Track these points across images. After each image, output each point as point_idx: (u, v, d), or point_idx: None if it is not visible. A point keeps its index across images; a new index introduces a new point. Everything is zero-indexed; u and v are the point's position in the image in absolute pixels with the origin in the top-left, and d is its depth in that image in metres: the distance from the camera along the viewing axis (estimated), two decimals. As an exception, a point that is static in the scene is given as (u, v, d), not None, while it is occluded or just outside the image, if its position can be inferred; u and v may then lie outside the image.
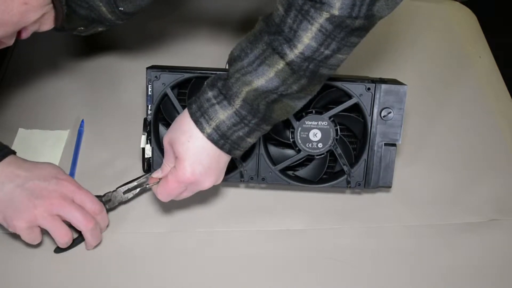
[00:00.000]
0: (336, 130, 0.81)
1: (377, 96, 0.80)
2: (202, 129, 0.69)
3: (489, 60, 1.10)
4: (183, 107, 0.80)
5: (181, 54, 1.03)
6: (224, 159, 0.73)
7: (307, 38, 0.64)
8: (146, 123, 0.82)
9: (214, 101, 0.68)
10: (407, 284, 0.78)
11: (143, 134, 0.82)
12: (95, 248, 0.79)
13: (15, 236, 0.78)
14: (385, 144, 0.81)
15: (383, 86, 0.80)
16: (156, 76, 0.80)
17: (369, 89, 0.80)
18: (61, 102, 0.98)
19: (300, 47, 0.64)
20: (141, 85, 0.93)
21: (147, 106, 0.81)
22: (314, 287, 0.77)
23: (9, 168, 0.75)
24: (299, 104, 0.71)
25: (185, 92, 0.82)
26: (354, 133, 0.84)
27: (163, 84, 0.80)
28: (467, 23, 1.16)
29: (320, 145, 0.81)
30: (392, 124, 0.81)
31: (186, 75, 0.80)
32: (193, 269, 0.78)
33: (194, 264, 0.79)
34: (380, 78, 0.82)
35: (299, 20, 0.63)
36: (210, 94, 0.69)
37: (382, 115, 0.80)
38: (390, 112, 0.80)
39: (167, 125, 0.83)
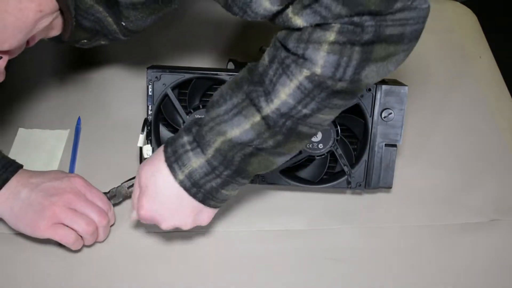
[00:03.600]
0: (337, 130, 0.81)
1: (377, 97, 0.80)
2: (175, 175, 0.68)
3: (489, 60, 1.10)
4: (184, 108, 0.81)
5: (181, 54, 1.03)
6: (191, 205, 0.70)
7: (284, 94, 0.61)
8: (146, 123, 0.82)
9: (188, 147, 0.67)
10: (407, 284, 0.78)
11: (141, 134, 0.82)
12: (96, 248, 0.80)
13: (20, 236, 0.79)
14: (386, 145, 0.81)
15: (384, 87, 0.79)
16: (156, 77, 0.80)
17: (369, 90, 0.80)
18: (61, 102, 0.98)
19: (276, 103, 0.62)
20: (141, 85, 0.93)
21: (148, 106, 0.81)
22: (314, 287, 0.77)
23: (23, 179, 0.77)
24: (280, 159, 0.68)
25: (186, 92, 0.82)
26: (355, 133, 0.84)
27: (163, 84, 0.80)
28: (467, 23, 1.16)
29: (320, 145, 0.81)
30: (393, 125, 0.81)
31: (187, 76, 0.80)
32: (193, 269, 0.79)
33: (194, 264, 0.79)
34: (380, 79, 0.82)
35: (279, 74, 0.61)
36: (185, 139, 0.67)
37: (383, 116, 0.80)
38: (390, 113, 0.80)
39: (168, 125, 0.83)
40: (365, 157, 0.82)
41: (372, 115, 0.80)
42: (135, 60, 1.02)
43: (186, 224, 0.72)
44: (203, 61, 1.00)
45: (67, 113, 0.96)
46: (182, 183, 0.68)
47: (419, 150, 0.93)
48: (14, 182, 0.76)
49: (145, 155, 0.82)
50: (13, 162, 0.78)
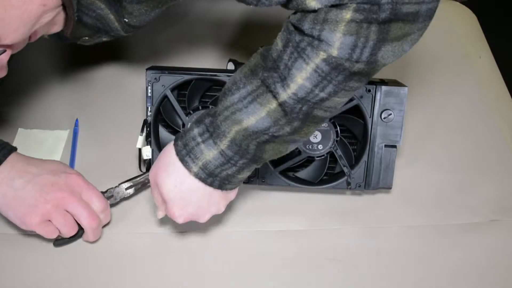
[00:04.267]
0: (337, 131, 0.81)
1: (377, 97, 0.80)
2: (188, 168, 0.68)
3: (489, 60, 1.09)
4: (183, 109, 0.81)
5: (181, 55, 1.03)
6: (217, 194, 0.71)
7: (300, 78, 0.60)
8: (145, 124, 0.82)
9: (199, 139, 0.67)
10: (407, 284, 0.78)
11: (140, 135, 0.82)
12: (95, 248, 0.80)
13: (20, 237, 0.79)
14: (386, 146, 0.81)
15: (384, 87, 0.79)
16: (156, 78, 0.80)
17: (369, 90, 0.80)
18: (61, 102, 0.98)
19: (293, 87, 0.60)
20: (140, 85, 0.93)
21: (147, 108, 0.81)
22: (314, 287, 0.78)
23: (19, 165, 0.76)
24: (293, 145, 0.68)
25: (185, 94, 0.82)
26: (355, 134, 0.84)
27: (162, 86, 0.80)
28: (467, 23, 1.16)
29: (320, 146, 0.82)
30: (393, 125, 0.81)
31: (186, 77, 0.80)
32: (192, 270, 0.79)
33: (193, 265, 0.79)
34: (380, 79, 0.82)
35: (294, 58, 0.60)
36: (195, 131, 0.67)
37: (383, 116, 0.80)
38: (390, 114, 0.80)
39: (167, 126, 0.83)
40: (364, 158, 0.82)
41: (372, 116, 0.80)
42: (134, 61, 1.02)
43: (221, 209, 0.73)
44: (203, 61, 1.00)
45: (67, 113, 0.96)
46: (197, 175, 0.68)
47: (419, 151, 0.93)
48: (8, 167, 0.75)
49: (144, 157, 0.82)
50: (6, 144, 0.78)
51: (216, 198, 0.71)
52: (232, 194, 0.74)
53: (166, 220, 0.84)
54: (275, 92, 0.62)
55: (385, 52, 0.59)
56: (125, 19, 0.74)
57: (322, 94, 0.61)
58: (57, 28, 0.67)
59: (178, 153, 0.68)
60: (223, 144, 0.65)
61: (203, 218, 0.73)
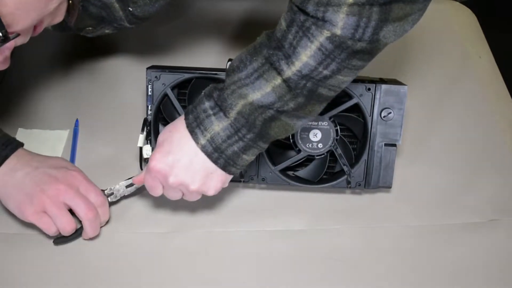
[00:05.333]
0: (336, 130, 0.81)
1: (377, 96, 0.80)
2: (196, 140, 0.68)
3: (489, 60, 1.09)
4: (183, 108, 0.81)
5: (181, 54, 1.03)
6: (201, 161, 0.70)
7: (305, 56, 0.62)
8: (146, 123, 0.82)
9: (210, 112, 0.68)
10: (407, 284, 0.78)
11: (141, 134, 0.83)
12: (95, 247, 0.80)
13: (20, 236, 0.80)
14: (385, 145, 0.81)
15: (383, 86, 0.80)
16: (156, 76, 0.80)
17: (369, 89, 0.80)
18: (61, 102, 0.98)
19: (297, 65, 0.63)
20: (141, 85, 0.93)
21: (147, 106, 0.81)
22: (314, 287, 0.77)
23: (24, 159, 0.78)
24: (298, 123, 0.69)
25: (185, 92, 0.82)
26: (354, 133, 0.84)
27: (163, 84, 0.80)
28: (467, 23, 1.16)
29: (320, 145, 0.82)
30: (392, 124, 0.81)
31: (186, 76, 0.80)
32: (193, 270, 0.79)
33: (194, 265, 0.79)
34: (380, 78, 0.83)
35: (299, 37, 0.62)
36: (207, 104, 0.68)
37: (382, 115, 0.80)
38: (390, 113, 0.80)
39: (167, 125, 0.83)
40: (364, 157, 0.82)
41: (371, 114, 0.80)
42: (135, 60, 1.02)
43: (194, 182, 0.71)
44: (203, 61, 1.00)
45: (67, 113, 0.96)
46: (204, 148, 0.69)
47: (419, 150, 0.93)
48: (13, 160, 0.77)
49: (144, 155, 0.82)
50: (13, 140, 0.79)
51: (198, 164, 0.70)
52: (211, 185, 0.72)
53: (166, 220, 0.84)
54: (279, 69, 0.64)
55: (387, 32, 0.61)
56: (130, 8, 0.75)
57: (326, 72, 0.63)
58: (59, 18, 0.68)
59: (188, 125, 0.69)
60: (232, 115, 0.67)
61: (173, 177, 0.71)
